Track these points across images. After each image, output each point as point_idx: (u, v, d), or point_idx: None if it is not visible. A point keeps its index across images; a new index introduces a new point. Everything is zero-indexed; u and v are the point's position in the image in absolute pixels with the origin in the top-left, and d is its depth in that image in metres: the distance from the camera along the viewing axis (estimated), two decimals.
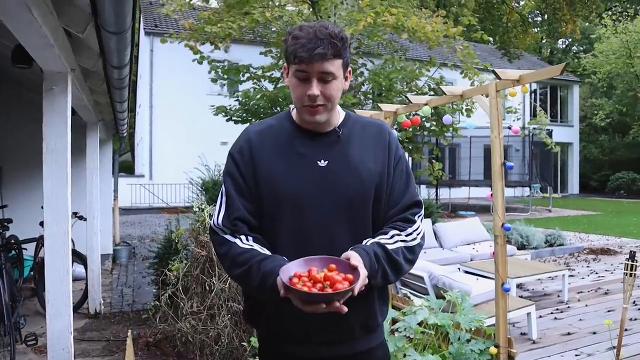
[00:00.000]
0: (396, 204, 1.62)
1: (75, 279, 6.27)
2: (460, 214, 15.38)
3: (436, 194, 18.42)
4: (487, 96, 3.70)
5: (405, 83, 12.06)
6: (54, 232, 2.75)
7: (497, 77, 3.50)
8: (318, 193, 1.55)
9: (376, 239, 1.55)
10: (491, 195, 3.60)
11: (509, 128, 4.63)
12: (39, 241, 5.69)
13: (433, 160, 11.88)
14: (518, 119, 16.20)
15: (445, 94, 4.29)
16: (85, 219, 5.72)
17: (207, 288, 3.99)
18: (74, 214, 5.96)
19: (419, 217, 1.65)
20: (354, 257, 1.41)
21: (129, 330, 4.67)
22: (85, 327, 5.20)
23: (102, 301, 5.80)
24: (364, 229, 1.59)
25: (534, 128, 17.97)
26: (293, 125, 1.63)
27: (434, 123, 12.07)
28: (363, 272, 1.38)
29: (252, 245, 1.54)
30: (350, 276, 1.35)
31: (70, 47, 2.72)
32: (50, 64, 2.53)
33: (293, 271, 1.38)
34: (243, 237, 1.56)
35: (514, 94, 3.74)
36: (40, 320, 4.99)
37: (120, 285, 7.07)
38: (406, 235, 1.59)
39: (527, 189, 19.84)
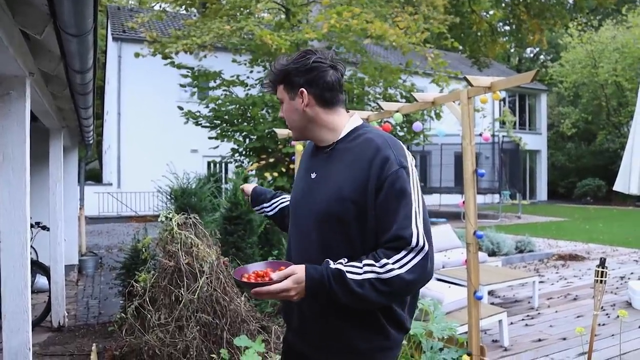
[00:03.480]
0: (384, 233, 1.55)
1: (38, 291, 6.08)
2: (432, 221, 15.39)
3: None
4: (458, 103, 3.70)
5: (382, 88, 12.10)
6: (12, 243, 2.62)
7: (469, 83, 3.49)
8: (303, 204, 1.75)
9: (344, 264, 1.53)
10: (463, 202, 3.58)
11: (480, 135, 4.65)
12: None
13: None
14: (484, 116, 16.46)
15: (417, 101, 4.28)
16: (48, 229, 5.54)
17: (175, 299, 3.89)
18: (37, 223, 5.77)
19: (406, 250, 1.52)
20: (293, 267, 1.54)
21: (94, 344, 4.54)
22: (48, 341, 5.02)
23: (67, 314, 5.61)
24: (336, 246, 1.61)
25: (503, 135, 18.26)
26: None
27: (405, 130, 12.16)
28: (281, 273, 1.51)
29: None
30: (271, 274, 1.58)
31: (28, 50, 2.61)
32: (6, 68, 2.40)
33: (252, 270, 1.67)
34: None
35: (485, 100, 3.74)
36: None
37: (85, 296, 6.87)
38: (380, 267, 1.50)
39: (497, 195, 20.09)
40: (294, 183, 1.93)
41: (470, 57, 20.95)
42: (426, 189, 19.94)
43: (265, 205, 2.20)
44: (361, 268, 1.51)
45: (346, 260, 1.55)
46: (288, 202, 2.11)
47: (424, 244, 1.54)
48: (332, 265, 1.52)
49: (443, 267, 6.90)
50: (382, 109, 4.73)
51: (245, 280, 1.59)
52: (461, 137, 3.62)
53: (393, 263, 1.50)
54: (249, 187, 2.31)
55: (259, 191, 2.26)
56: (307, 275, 1.51)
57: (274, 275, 1.51)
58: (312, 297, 1.54)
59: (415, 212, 1.56)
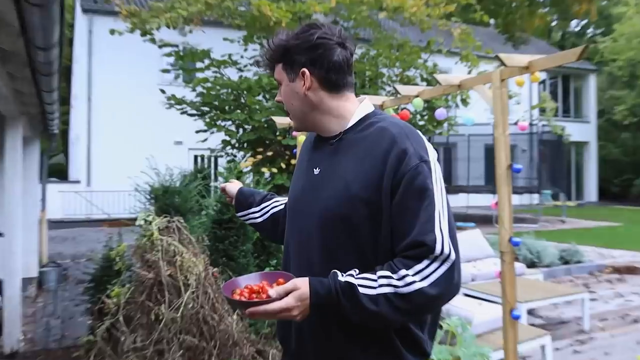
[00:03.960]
0: (402, 239, 1.54)
1: None
2: (458, 226, 15.43)
3: None
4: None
5: (399, 70, 12.08)
6: None
7: (502, 63, 3.48)
8: (304, 205, 1.74)
9: (355, 276, 1.52)
10: (496, 203, 3.58)
11: (516, 124, 4.65)
12: None
13: None
14: (519, 103, 16.37)
15: (440, 84, 4.27)
16: (2, 235, 5.57)
17: (155, 318, 3.90)
18: None
19: (429, 259, 1.50)
20: (294, 281, 1.52)
21: None
22: None
23: (23, 336, 5.63)
24: (343, 255, 1.61)
25: (543, 124, 18.17)
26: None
27: (426, 118, 12.15)
28: (280, 289, 1.49)
29: None
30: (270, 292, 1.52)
31: None
32: None
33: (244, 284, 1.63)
34: None
35: (521, 83, 3.73)
36: None
37: (46, 316, 6.90)
38: (398, 279, 1.48)
39: (536, 196, 20.05)
40: (292, 180, 1.92)
41: (504, 33, 20.89)
42: (451, 188, 19.91)
43: (253, 210, 2.17)
44: (375, 281, 1.50)
45: (357, 271, 1.54)
46: (281, 207, 2.11)
47: (449, 251, 1.52)
48: (341, 277, 1.51)
49: (472, 281, 6.90)
50: (399, 94, 4.73)
51: (237, 297, 1.55)
52: (493, 127, 3.61)
53: (413, 275, 1.49)
54: (232, 188, 2.27)
55: (246, 193, 2.22)
56: (312, 290, 1.50)
57: (272, 292, 1.49)
58: (317, 316, 1.54)
59: (439, 214, 1.54)
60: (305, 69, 1.69)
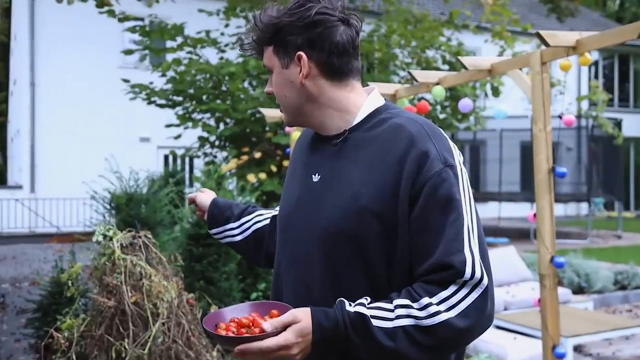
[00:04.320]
0: (424, 260, 1.55)
1: None
2: (488, 242, 15.39)
3: None
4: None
5: (417, 50, 12.09)
6: None
7: (544, 42, 3.51)
8: (303, 218, 1.75)
9: (367, 305, 1.52)
10: (534, 215, 3.61)
11: (560, 117, 4.68)
12: None
13: None
14: (562, 93, 16.29)
15: (466, 69, 4.30)
16: None
17: (117, 355, 3.92)
18: None
19: (457, 285, 1.51)
20: (293, 312, 1.52)
21: None
22: None
23: None
24: (349, 279, 1.62)
25: (593, 115, 18.12)
26: None
27: (449, 111, 12.16)
28: (276, 322, 1.49)
29: None
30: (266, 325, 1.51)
31: None
32: None
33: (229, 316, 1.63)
34: None
35: (567, 67, 3.76)
36: None
37: None
38: (420, 309, 1.49)
39: (585, 205, 20.02)
40: (284, 188, 1.93)
41: (547, 3, 20.90)
42: (479, 195, 19.87)
43: (230, 226, 2.17)
44: (392, 311, 1.51)
45: (369, 299, 1.55)
46: (266, 221, 2.13)
47: (481, 275, 1.54)
48: (350, 307, 1.52)
49: (505, 310, 6.92)
50: (416, 81, 4.76)
51: (222, 332, 1.54)
52: (531, 120, 3.64)
53: (438, 303, 1.49)
54: (204, 198, 2.26)
55: (221, 205, 2.21)
56: (315, 323, 1.50)
57: (267, 325, 1.48)
58: (320, 354, 1.54)
59: (469, 229, 1.56)
60: (301, 53, 1.68)
